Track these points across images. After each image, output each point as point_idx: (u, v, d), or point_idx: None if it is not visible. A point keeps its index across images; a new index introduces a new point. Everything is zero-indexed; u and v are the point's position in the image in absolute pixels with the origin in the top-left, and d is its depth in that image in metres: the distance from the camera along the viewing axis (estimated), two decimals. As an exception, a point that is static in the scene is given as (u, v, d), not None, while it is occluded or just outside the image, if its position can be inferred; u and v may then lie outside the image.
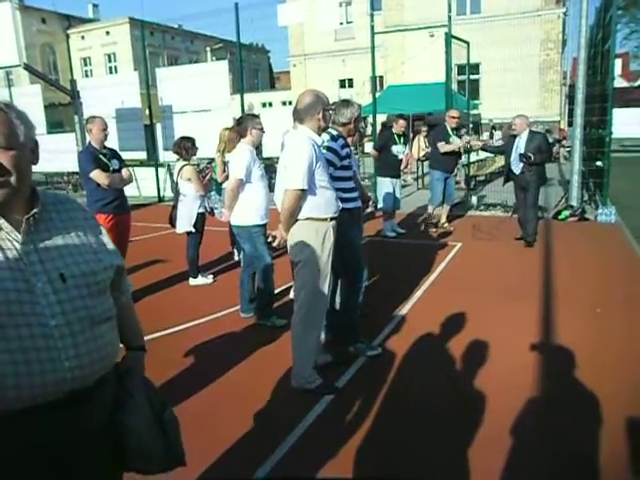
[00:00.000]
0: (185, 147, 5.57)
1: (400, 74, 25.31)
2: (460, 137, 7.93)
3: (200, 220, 5.59)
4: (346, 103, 3.86)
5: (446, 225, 8.14)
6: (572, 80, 18.88)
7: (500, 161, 15.80)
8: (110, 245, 1.55)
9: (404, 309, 4.83)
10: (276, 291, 4.83)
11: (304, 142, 3.17)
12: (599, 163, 9.20)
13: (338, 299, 4.02)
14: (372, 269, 6.05)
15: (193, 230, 5.56)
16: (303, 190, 3.14)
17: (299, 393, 3.35)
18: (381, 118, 16.81)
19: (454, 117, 7.70)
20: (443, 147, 7.62)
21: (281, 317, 4.43)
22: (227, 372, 3.68)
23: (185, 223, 5.55)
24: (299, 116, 3.25)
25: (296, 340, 3.41)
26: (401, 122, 7.69)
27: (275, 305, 4.74)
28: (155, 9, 74.73)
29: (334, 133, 3.71)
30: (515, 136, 7.00)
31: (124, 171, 5.04)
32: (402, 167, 7.79)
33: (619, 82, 38.27)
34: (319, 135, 3.33)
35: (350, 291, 3.87)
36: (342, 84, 29.56)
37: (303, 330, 3.37)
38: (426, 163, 13.09)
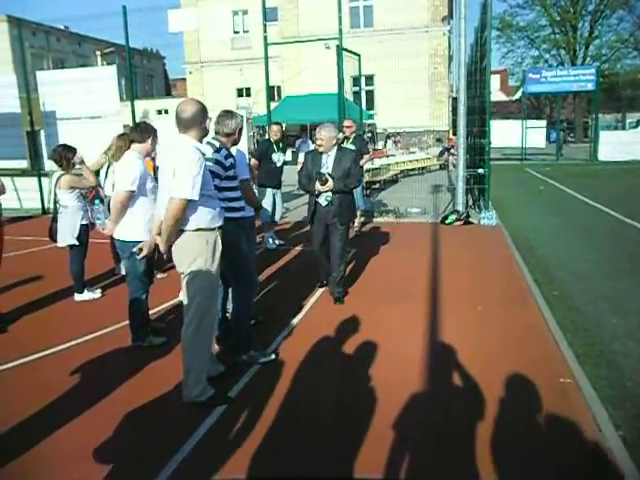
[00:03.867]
0: (67, 157, 5.20)
1: (297, 84, 25.70)
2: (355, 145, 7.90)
3: (84, 232, 5.28)
4: (230, 114, 3.78)
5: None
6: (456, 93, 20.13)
7: (395, 168, 16.51)
8: None
9: (299, 315, 4.86)
10: (153, 310, 4.66)
11: (192, 151, 3.09)
12: (481, 170, 9.88)
13: (230, 308, 3.98)
14: (267, 276, 6.07)
15: (77, 243, 5.24)
16: (190, 200, 3.03)
17: (190, 407, 3.27)
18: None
19: (347, 127, 7.91)
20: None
21: (158, 335, 4.29)
22: (113, 392, 3.49)
23: (67, 236, 5.22)
24: (184, 125, 3.14)
25: (188, 353, 3.31)
26: (274, 128, 7.42)
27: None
28: (36, 8, 69.90)
29: (216, 144, 3.62)
30: (321, 153, 5.06)
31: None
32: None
33: (499, 96, 41.44)
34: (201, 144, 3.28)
35: (242, 300, 3.84)
36: (240, 93, 29.49)
37: (196, 342, 3.29)
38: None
